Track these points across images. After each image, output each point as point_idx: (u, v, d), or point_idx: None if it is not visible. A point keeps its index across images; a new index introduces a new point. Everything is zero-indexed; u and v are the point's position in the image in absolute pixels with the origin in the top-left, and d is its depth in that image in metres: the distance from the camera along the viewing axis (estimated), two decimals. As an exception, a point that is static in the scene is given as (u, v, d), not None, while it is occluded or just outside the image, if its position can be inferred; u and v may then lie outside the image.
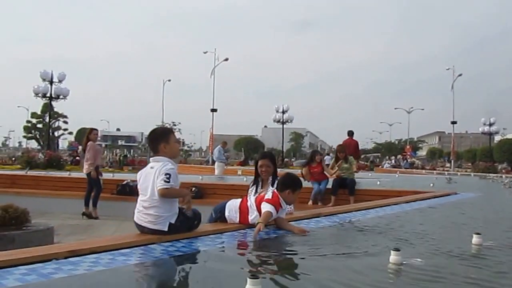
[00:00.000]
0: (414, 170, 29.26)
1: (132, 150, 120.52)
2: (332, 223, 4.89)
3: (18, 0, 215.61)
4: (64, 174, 13.64)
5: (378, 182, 12.68)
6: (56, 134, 58.34)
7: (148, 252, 3.20)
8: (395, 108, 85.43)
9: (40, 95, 22.95)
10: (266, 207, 4.14)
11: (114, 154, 45.55)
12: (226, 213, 4.40)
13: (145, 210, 3.66)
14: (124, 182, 10.94)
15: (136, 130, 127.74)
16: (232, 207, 4.42)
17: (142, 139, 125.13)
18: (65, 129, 59.87)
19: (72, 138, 61.37)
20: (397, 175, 19.93)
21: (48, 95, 22.96)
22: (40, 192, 11.32)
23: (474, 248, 3.58)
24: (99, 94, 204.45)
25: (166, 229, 3.62)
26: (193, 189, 10.30)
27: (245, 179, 12.26)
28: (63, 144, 68.02)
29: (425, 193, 8.96)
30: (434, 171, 27.67)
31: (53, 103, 26.14)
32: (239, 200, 4.45)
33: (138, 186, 3.78)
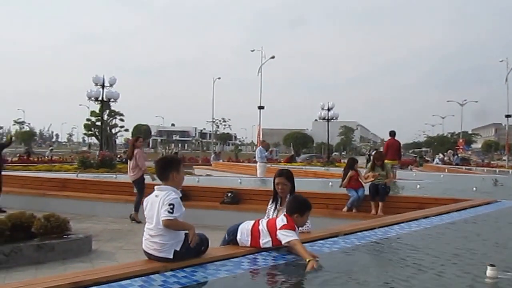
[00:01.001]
0: (463, 167, 28.16)
1: (186, 145, 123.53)
2: (349, 245, 4.83)
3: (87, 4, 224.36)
4: (111, 177, 14.16)
5: (418, 186, 12.34)
6: (113, 131, 60.42)
7: (148, 283, 3.32)
8: (448, 101, 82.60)
9: (92, 98, 24.04)
10: (288, 236, 4.13)
11: (168, 149, 46.60)
12: (238, 236, 4.45)
13: (151, 238, 3.78)
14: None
15: (190, 125, 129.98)
16: (244, 230, 4.47)
17: (195, 134, 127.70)
18: (122, 126, 61.62)
19: (128, 134, 63.45)
20: (442, 175, 19.26)
21: (100, 98, 24.00)
22: (88, 196, 11.80)
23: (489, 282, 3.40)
24: (156, 91, 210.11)
25: (171, 256, 3.73)
26: (229, 194, 10.44)
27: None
28: (120, 140, 70.32)
29: (464, 201, 8.68)
30: (485, 169, 26.48)
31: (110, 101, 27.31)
32: (252, 222, 4.49)
33: (145, 214, 3.90)
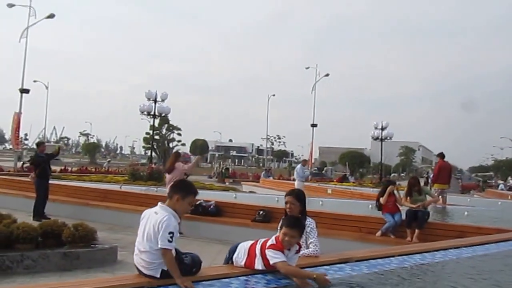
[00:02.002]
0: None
1: (242, 161, 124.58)
2: (355, 273, 4.60)
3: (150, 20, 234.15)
4: (152, 190, 14.44)
5: (466, 213, 11.69)
6: (170, 145, 62.04)
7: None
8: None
9: (145, 113, 24.84)
10: (274, 257, 4.01)
11: (220, 164, 47.11)
12: (234, 255, 4.37)
13: (140, 254, 3.76)
14: (198, 202, 11.29)
15: (247, 141, 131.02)
16: (242, 249, 4.38)
17: (252, 150, 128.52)
18: (179, 141, 63.20)
19: (185, 148, 64.95)
20: (499, 203, 18.15)
21: (152, 113, 24.76)
22: (126, 207, 12.06)
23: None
24: (215, 107, 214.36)
25: (158, 275, 3.69)
26: (261, 212, 10.34)
27: (320, 202, 12.03)
28: (177, 154, 72.06)
29: (508, 232, 8.12)
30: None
31: (169, 116, 27.78)
32: (251, 242, 4.40)
33: (140, 227, 3.88)
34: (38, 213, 11.64)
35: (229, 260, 4.45)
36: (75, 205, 12.64)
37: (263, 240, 4.34)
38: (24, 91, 25.83)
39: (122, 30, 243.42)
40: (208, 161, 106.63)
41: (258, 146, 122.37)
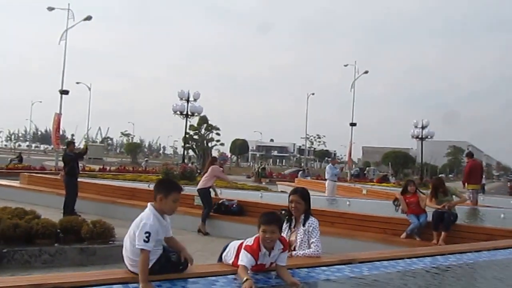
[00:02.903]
0: None
1: (284, 160, 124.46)
2: (354, 275, 4.40)
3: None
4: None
5: (502, 215, 11.13)
6: (209, 145, 62.59)
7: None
8: None
9: (178, 112, 25.12)
10: (240, 259, 3.92)
11: (259, 164, 47.13)
12: (224, 253, 4.30)
13: (124, 251, 3.74)
14: (220, 201, 11.30)
15: (289, 141, 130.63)
16: (232, 247, 4.29)
17: (294, 150, 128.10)
18: (218, 140, 63.64)
19: (223, 148, 65.35)
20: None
21: (184, 112, 25.02)
22: (153, 206, 12.18)
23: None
24: (256, 106, 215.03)
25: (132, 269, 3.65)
26: (283, 211, 10.16)
27: (348, 202, 11.78)
28: (215, 154, 72.57)
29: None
30: None
31: (208, 116, 28.08)
32: (240, 241, 4.31)
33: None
34: (68, 209, 11.94)
35: (220, 258, 4.39)
36: (103, 202, 12.91)
37: (249, 239, 4.25)
38: (64, 92, 26.64)
39: (161, 29, 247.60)
40: (249, 160, 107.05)
41: (300, 146, 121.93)
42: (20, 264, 6.83)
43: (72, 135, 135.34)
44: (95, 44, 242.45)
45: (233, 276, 3.95)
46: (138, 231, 3.56)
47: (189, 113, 25.18)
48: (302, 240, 4.84)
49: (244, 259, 3.88)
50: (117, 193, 13.53)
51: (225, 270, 4.05)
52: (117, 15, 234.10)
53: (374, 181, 31.60)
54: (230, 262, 4.16)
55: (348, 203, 11.71)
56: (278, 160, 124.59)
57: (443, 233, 8.46)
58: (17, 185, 15.70)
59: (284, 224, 5.06)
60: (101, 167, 31.27)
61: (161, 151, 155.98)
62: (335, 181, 17.03)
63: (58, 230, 7.70)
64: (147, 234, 3.53)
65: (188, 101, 24.72)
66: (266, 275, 4.02)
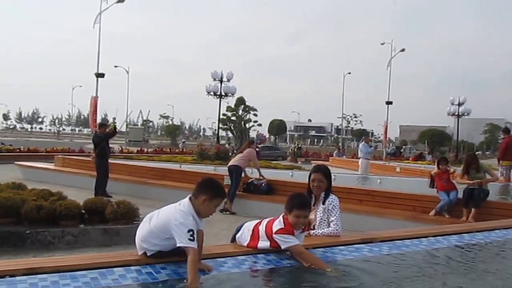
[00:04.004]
0: None
1: (322, 140, 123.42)
2: (372, 254, 4.17)
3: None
4: (210, 169, 14.52)
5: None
6: (247, 126, 62.56)
7: (103, 276, 3.16)
8: None
9: (211, 93, 25.05)
10: (287, 241, 3.73)
11: (296, 144, 46.77)
12: (238, 234, 4.13)
13: (138, 233, 3.57)
14: (249, 181, 11.16)
15: (327, 121, 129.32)
16: (246, 229, 4.12)
17: (331, 130, 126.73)
18: (255, 121, 63.50)
19: (261, 129, 65.17)
20: None
21: (218, 93, 24.92)
22: (182, 186, 12.17)
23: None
24: (293, 87, 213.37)
25: (149, 253, 3.48)
26: (310, 190, 9.99)
27: (379, 180, 11.44)
28: (252, 134, 72.57)
29: None
30: None
31: (245, 97, 27.87)
32: (255, 222, 4.13)
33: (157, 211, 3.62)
34: (100, 191, 12.08)
35: (233, 239, 4.23)
36: (134, 183, 12.99)
37: (267, 220, 4.04)
38: (99, 75, 26.94)
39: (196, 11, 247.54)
40: (287, 141, 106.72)
41: (338, 126, 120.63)
42: (44, 245, 6.90)
43: (114, 118, 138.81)
44: (132, 27, 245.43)
45: (243, 257, 3.78)
46: (177, 228, 3.30)
47: (223, 93, 25.08)
48: (321, 219, 4.64)
49: (291, 240, 3.74)
50: (149, 174, 13.60)
51: (236, 251, 3.89)
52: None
53: (410, 159, 30.87)
54: (245, 244, 4.00)
55: (379, 181, 11.38)
56: (316, 140, 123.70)
57: (473, 210, 8.11)
58: (52, 168, 16.02)
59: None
60: (139, 149, 31.72)
61: (201, 133, 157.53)
62: (368, 159, 16.64)
63: (83, 211, 7.75)
64: (191, 232, 3.29)
65: (221, 81, 24.61)
66: (278, 256, 3.84)
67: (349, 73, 56.45)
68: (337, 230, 4.55)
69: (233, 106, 61.10)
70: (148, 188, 12.56)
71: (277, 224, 3.83)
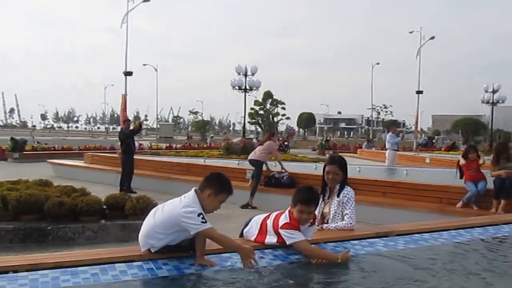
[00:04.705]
0: None
1: (352, 132, 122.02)
2: (386, 248, 4.02)
3: None
4: (234, 164, 14.47)
5: None
6: (275, 119, 62.44)
7: (104, 272, 3.13)
8: None
9: (236, 87, 25.03)
10: (292, 236, 3.63)
11: (324, 137, 46.30)
12: (246, 229, 4.04)
13: (142, 229, 3.53)
14: (271, 174, 11.06)
15: (355, 113, 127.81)
16: (254, 223, 4.02)
17: (362, 122, 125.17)
18: (283, 115, 63.39)
19: (289, 122, 64.89)
20: None
21: (242, 87, 24.88)
22: (205, 180, 12.18)
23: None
24: (323, 79, 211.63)
25: (153, 250, 3.43)
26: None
27: (405, 171, 11.13)
28: (281, 128, 72.32)
29: None
30: None
31: (273, 91, 27.69)
32: (264, 216, 4.03)
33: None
34: (125, 186, 12.20)
35: (241, 234, 4.14)
36: (159, 179, 13.07)
37: (275, 213, 3.93)
38: (128, 73, 27.30)
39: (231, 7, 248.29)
40: (317, 134, 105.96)
41: (368, 118, 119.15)
42: (64, 241, 6.99)
43: (145, 115, 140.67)
44: (159, 26, 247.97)
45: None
46: (187, 220, 3.26)
47: (247, 87, 25.02)
48: (335, 212, 4.48)
49: (297, 235, 3.63)
50: (174, 169, 13.66)
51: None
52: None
53: (442, 149, 30.12)
54: (252, 238, 3.91)
55: (405, 172, 11.08)
56: (346, 132, 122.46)
57: (502, 201, 7.77)
58: (81, 165, 16.29)
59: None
60: (168, 145, 32.02)
61: (230, 128, 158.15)
62: (396, 150, 16.24)
63: (105, 207, 7.81)
64: (201, 216, 3.26)
65: (246, 75, 24.56)
66: (285, 251, 3.74)
67: (378, 63, 55.67)
68: (350, 223, 4.40)
69: (260, 100, 61.23)
70: (172, 183, 12.60)
71: (283, 219, 3.73)
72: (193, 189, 3.48)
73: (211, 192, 3.37)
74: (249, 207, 10.61)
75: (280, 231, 3.69)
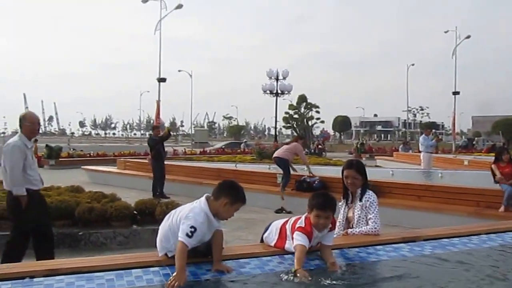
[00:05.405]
0: None
1: (389, 135, 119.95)
2: (412, 254, 3.86)
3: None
4: (265, 168, 14.41)
5: None
6: (310, 123, 62.10)
7: (119, 277, 3.12)
8: None
9: (267, 92, 24.99)
10: (296, 239, 3.55)
11: (360, 140, 45.76)
12: (265, 234, 3.97)
13: (159, 234, 3.54)
14: (302, 178, 10.96)
15: (392, 115, 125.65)
16: (274, 228, 3.95)
17: (399, 124, 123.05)
18: (318, 118, 63.02)
19: (324, 126, 64.37)
20: None
21: (274, 91, 24.83)
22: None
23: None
24: (353, 82, 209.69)
25: (170, 255, 3.42)
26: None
27: (440, 174, 10.81)
28: (316, 132, 71.81)
29: None
30: None
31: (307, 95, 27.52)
32: (283, 220, 3.96)
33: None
34: (157, 192, 12.33)
35: (262, 239, 4.08)
36: (190, 184, 13.15)
37: (293, 218, 3.85)
38: (161, 80, 27.66)
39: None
40: (353, 137, 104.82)
41: (405, 120, 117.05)
42: (96, 246, 7.09)
43: (181, 121, 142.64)
44: (191, 32, 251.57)
45: (268, 258, 3.63)
46: (183, 222, 3.25)
47: (279, 91, 24.95)
48: (359, 217, 4.37)
49: (301, 238, 3.53)
50: (204, 174, 13.74)
51: (261, 252, 3.72)
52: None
53: (483, 151, 29.19)
54: (272, 243, 3.84)
55: (440, 175, 10.75)
56: (382, 135, 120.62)
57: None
58: (114, 171, 16.59)
59: (341, 201, 4.63)
60: (202, 150, 32.32)
61: (266, 132, 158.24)
62: (431, 152, 15.84)
63: (135, 212, 7.90)
64: (192, 229, 3.20)
65: (277, 79, 24.50)
66: (306, 256, 3.62)
67: (413, 64, 54.47)
68: (375, 228, 4.28)
69: (295, 104, 61.01)
70: (203, 189, 12.51)
71: (299, 223, 3.66)
72: (205, 196, 3.46)
73: (227, 202, 3.34)
74: (284, 211, 10.55)
75: (294, 233, 3.62)
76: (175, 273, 3.09)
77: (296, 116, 62.53)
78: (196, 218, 3.25)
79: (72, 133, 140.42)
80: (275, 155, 11.32)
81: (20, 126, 5.56)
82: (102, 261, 3.41)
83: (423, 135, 16.41)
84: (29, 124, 5.53)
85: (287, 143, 11.61)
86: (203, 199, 3.41)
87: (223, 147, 33.14)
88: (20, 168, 5.33)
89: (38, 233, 5.65)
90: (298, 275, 3.24)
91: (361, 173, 4.41)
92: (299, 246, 3.48)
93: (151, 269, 3.30)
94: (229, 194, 3.37)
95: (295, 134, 62.88)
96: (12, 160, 5.32)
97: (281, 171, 11.24)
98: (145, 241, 7.37)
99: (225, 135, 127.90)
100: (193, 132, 67.81)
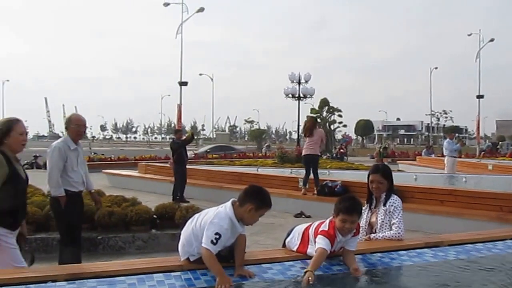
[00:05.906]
0: None
1: (412, 139, 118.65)
2: (436, 259, 3.79)
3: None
4: (287, 172, 14.35)
5: None
6: (332, 127, 61.80)
7: (141, 283, 3.11)
8: None
9: (290, 95, 24.94)
10: (318, 243, 3.52)
11: (382, 143, 45.23)
12: (288, 239, 3.95)
13: (182, 239, 3.55)
14: (324, 183, 10.87)
15: (415, 119, 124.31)
16: (296, 232, 3.93)
17: (422, 128, 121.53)
18: (340, 122, 62.70)
19: (347, 130, 63.96)
20: None
21: (296, 95, 24.76)
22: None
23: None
24: (376, 85, 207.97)
25: (192, 259, 3.42)
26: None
27: (464, 179, 10.59)
28: (338, 136, 71.34)
29: None
30: None
31: (329, 99, 27.58)
32: (306, 225, 3.93)
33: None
34: (177, 196, 12.38)
35: (284, 244, 4.05)
36: (211, 188, 13.16)
37: (317, 223, 3.81)
38: (183, 84, 27.85)
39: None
40: (376, 141, 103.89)
41: (428, 124, 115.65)
42: (115, 250, 7.12)
43: (203, 125, 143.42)
44: (212, 35, 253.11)
45: (290, 263, 3.60)
46: (208, 228, 3.25)
47: (301, 95, 24.86)
48: (383, 221, 4.33)
49: (323, 242, 3.48)
50: (226, 178, 13.71)
51: (283, 256, 3.70)
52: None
53: (507, 155, 28.61)
54: (294, 248, 3.82)
55: (464, 179, 10.56)
56: (405, 139, 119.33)
57: None
58: (135, 175, 16.70)
59: (364, 206, 4.57)
60: (223, 154, 32.38)
61: (287, 136, 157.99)
62: (455, 156, 15.61)
63: (155, 216, 7.92)
64: (217, 236, 3.20)
65: (299, 83, 24.43)
66: (328, 261, 3.60)
67: (436, 68, 53.90)
68: (399, 233, 4.22)
69: (317, 108, 60.76)
70: (224, 193, 12.61)
71: (322, 226, 3.62)
72: (230, 201, 3.44)
73: (253, 207, 3.33)
74: (303, 216, 10.48)
75: (317, 237, 3.57)
76: (217, 279, 3.09)
77: (318, 120, 62.28)
78: (221, 224, 3.25)
79: (93, 137, 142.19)
80: (306, 153, 11.14)
81: (66, 128, 5.64)
82: (123, 266, 3.42)
83: (447, 139, 16.21)
84: (74, 126, 5.58)
85: (309, 135, 11.35)
86: (228, 203, 3.40)
87: (208, 150, 32.65)
88: (59, 170, 5.40)
89: (69, 235, 5.70)
90: (304, 276, 3.21)
91: (386, 178, 4.37)
92: (320, 249, 3.45)
93: (173, 273, 3.29)
94: (255, 200, 3.36)
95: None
96: (51, 162, 5.42)
97: (302, 175, 11.16)
98: (163, 246, 7.38)
99: (246, 138, 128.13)
100: (214, 136, 68.06)
